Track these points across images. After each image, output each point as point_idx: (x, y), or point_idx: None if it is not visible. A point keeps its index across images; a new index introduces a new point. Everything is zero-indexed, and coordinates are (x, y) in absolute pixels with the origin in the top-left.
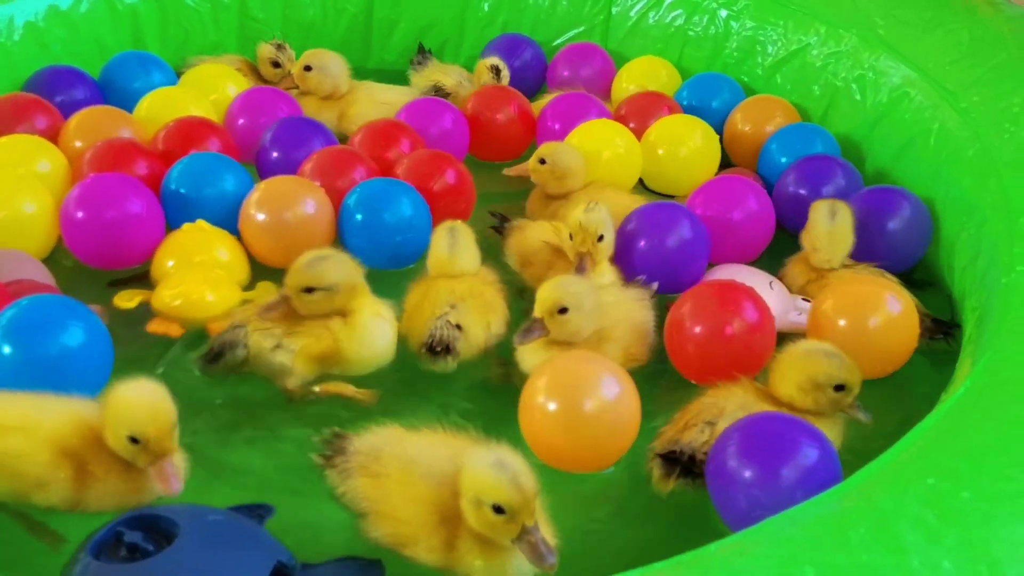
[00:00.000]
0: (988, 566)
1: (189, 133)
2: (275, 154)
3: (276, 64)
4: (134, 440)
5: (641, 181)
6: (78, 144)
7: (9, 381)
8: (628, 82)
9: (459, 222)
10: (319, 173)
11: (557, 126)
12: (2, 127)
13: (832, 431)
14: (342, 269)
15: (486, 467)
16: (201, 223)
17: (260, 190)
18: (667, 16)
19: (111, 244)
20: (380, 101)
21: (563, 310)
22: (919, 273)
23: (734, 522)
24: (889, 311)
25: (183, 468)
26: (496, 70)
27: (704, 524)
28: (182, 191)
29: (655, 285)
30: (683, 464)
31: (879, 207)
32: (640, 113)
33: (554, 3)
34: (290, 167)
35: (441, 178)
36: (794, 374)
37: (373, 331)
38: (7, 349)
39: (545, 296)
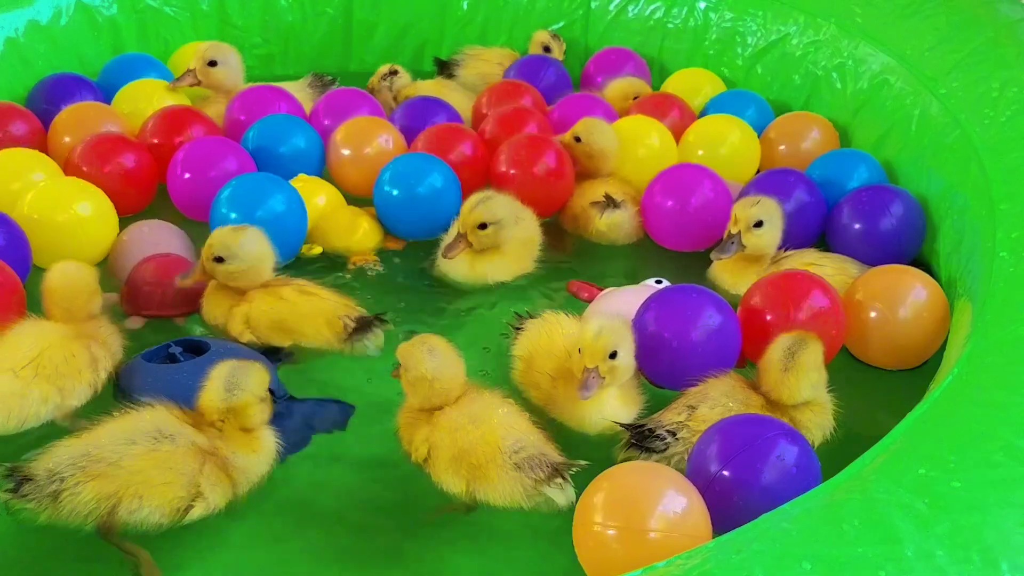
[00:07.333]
0: (980, 552)
1: (175, 122)
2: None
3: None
4: None
5: None
6: (67, 140)
7: None
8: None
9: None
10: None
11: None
12: None
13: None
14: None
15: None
16: (301, 176)
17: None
18: (646, 9)
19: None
20: None
21: (483, 226)
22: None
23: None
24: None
25: None
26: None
27: None
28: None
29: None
30: (643, 436)
31: (872, 206)
32: (650, 115)
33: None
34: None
35: (542, 161)
36: (803, 377)
37: None
38: (233, 215)
39: (467, 213)
